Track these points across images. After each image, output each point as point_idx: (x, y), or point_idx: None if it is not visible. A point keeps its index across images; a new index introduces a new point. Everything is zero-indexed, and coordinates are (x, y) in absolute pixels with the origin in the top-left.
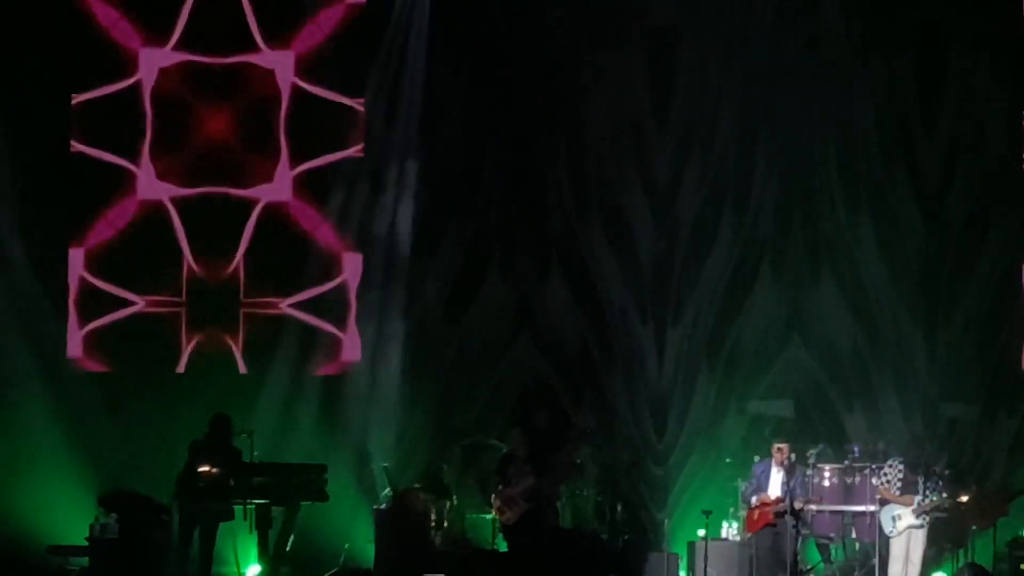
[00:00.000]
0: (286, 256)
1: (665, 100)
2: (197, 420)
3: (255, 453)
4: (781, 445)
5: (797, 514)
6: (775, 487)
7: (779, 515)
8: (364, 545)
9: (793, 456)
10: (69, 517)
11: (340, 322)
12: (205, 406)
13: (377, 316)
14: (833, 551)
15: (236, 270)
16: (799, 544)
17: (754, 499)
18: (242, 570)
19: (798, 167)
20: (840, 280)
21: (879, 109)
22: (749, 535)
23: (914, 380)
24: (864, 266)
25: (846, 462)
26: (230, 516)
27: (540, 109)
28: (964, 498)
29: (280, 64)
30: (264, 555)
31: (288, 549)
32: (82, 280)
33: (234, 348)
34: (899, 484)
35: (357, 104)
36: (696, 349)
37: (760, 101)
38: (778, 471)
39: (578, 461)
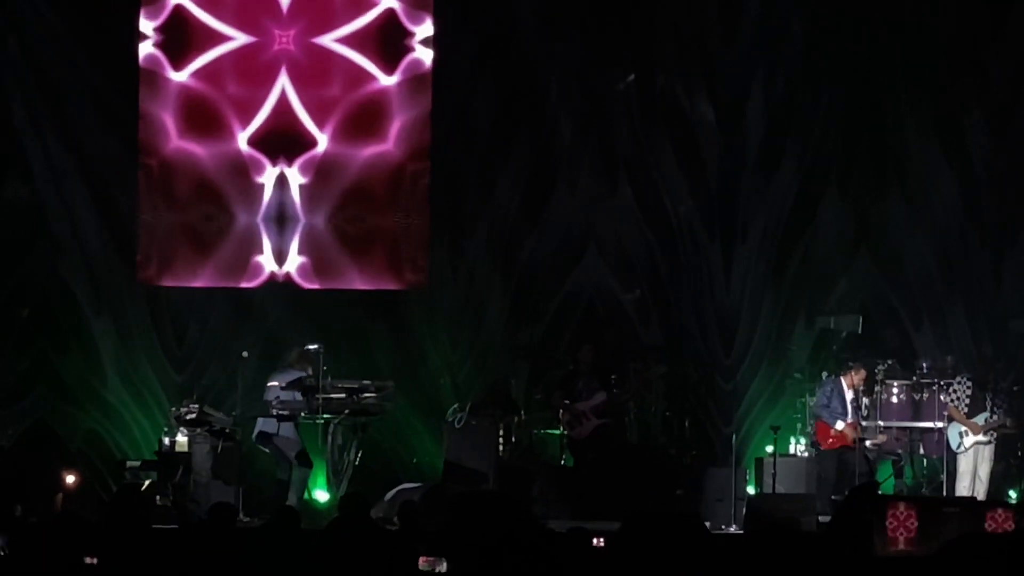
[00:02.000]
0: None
1: (734, 14)
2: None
3: (323, 368)
4: (860, 369)
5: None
6: (848, 409)
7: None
8: (433, 460)
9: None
10: (139, 433)
11: (409, 237)
12: (272, 323)
13: (445, 231)
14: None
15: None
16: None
17: (839, 424)
18: (311, 493)
19: (866, 82)
20: (909, 196)
21: (948, 24)
22: (822, 449)
23: (983, 296)
24: (932, 182)
25: (914, 378)
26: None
27: (610, 22)
28: None
29: None
30: (332, 471)
31: (357, 464)
32: (150, 195)
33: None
34: (967, 401)
35: None
36: (764, 264)
37: (828, 15)
38: (848, 391)
39: (649, 377)
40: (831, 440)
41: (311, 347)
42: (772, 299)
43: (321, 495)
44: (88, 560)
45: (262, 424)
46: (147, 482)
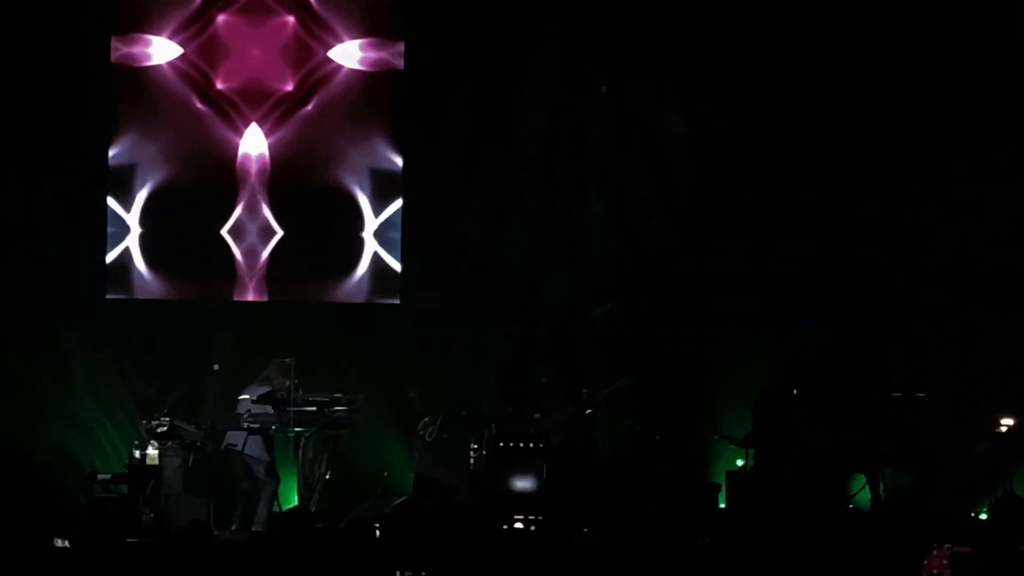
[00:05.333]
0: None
1: (707, 27)
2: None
3: (295, 381)
4: None
5: None
6: None
7: None
8: (404, 474)
9: None
10: (109, 446)
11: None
12: (240, 336)
13: (416, 244)
14: None
15: None
16: None
17: None
18: (281, 506)
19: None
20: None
21: None
22: None
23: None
24: None
25: None
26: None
27: (581, 34)
28: (1003, 429)
29: None
30: (303, 484)
31: (328, 477)
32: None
33: None
34: None
35: None
36: (734, 277)
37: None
38: None
39: (618, 391)
40: None
41: (285, 360)
42: (744, 312)
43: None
44: (59, 543)
45: (229, 437)
46: (117, 496)
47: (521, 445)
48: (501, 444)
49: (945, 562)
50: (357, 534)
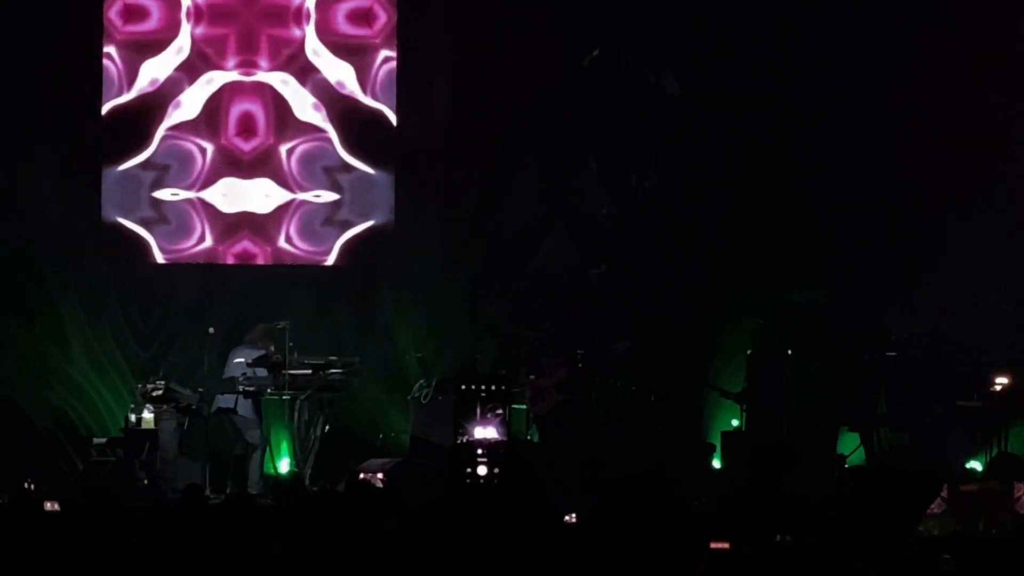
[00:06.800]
0: None
1: None
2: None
3: (290, 344)
4: None
5: None
6: None
7: None
8: (400, 436)
9: None
10: (105, 410)
11: (374, 212)
12: (236, 299)
13: (411, 205)
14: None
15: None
16: None
17: None
18: (276, 463)
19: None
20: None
21: None
22: None
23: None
24: None
25: None
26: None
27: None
28: (997, 387)
29: None
30: (297, 447)
31: (323, 439)
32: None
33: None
34: None
35: None
36: (729, 238)
37: None
38: None
39: (613, 352)
40: None
41: (279, 324)
42: (739, 271)
43: (284, 466)
44: (49, 506)
45: (220, 400)
46: (113, 460)
47: (483, 388)
48: (463, 387)
49: (946, 497)
50: (358, 490)
